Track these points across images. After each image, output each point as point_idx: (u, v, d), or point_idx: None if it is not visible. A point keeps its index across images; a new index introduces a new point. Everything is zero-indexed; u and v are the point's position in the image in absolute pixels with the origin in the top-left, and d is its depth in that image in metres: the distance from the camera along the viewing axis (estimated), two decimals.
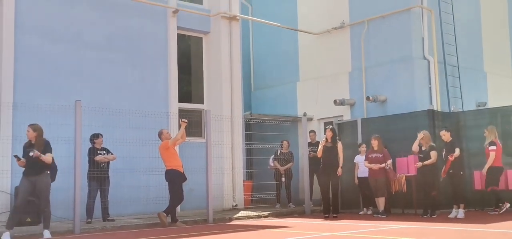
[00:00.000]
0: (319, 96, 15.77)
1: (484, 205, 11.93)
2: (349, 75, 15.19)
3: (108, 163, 10.99)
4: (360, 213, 12.29)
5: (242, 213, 12.21)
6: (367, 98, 14.24)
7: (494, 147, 10.97)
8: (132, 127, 11.86)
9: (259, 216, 11.91)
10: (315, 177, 13.55)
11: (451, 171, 10.62)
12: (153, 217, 10.84)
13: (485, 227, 8.99)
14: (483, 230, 8.59)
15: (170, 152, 10.68)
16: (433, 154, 10.89)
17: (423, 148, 11.07)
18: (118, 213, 11.31)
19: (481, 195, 11.90)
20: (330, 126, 11.95)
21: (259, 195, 13.95)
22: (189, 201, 12.15)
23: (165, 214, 10.32)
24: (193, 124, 13.19)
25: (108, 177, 10.97)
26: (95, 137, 10.92)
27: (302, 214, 12.64)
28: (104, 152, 10.97)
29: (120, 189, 11.50)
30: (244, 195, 13.79)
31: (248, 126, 15.24)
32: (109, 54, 12.29)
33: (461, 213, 10.57)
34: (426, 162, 10.91)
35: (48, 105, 10.63)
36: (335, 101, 14.70)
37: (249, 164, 14.98)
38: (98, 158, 10.79)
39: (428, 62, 14.01)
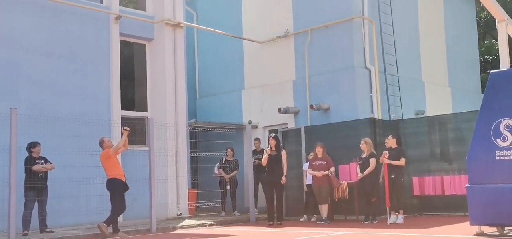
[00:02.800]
0: (264, 104, 15.87)
1: (423, 210, 12.33)
2: (293, 83, 15.37)
3: (46, 172, 10.63)
4: (301, 220, 12.41)
5: (186, 222, 12.10)
6: (311, 106, 14.44)
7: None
8: (72, 135, 11.56)
9: (203, 225, 11.83)
10: (260, 185, 13.61)
11: (392, 176, 10.89)
12: (94, 228, 10.56)
13: (422, 232, 9.28)
14: (420, 235, 8.86)
15: (111, 161, 10.46)
16: (373, 161, 11.16)
17: (364, 155, 11.32)
18: (57, 224, 10.94)
19: (420, 201, 12.30)
20: (274, 135, 12.04)
21: (204, 204, 13.85)
22: (132, 210, 11.92)
23: (105, 225, 10.07)
24: (136, 132, 12.97)
25: (46, 187, 10.61)
26: (32, 146, 10.55)
27: (247, 222, 12.65)
28: (42, 161, 10.60)
29: (59, 199, 11.13)
30: (188, 203, 13.66)
31: (193, 134, 15.15)
32: (49, 60, 11.92)
33: (400, 218, 10.87)
34: (365, 172, 11.16)
35: None
36: (279, 109, 14.83)
37: (194, 172, 14.86)
38: (36, 167, 10.42)
39: (369, 71, 14.38)
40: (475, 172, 8.33)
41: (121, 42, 13.25)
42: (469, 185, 8.37)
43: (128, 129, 10.63)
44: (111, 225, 10.25)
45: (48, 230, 10.45)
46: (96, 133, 11.35)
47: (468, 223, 8.39)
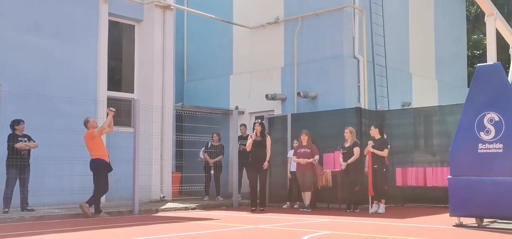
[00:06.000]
0: (252, 90, 15.85)
1: (405, 201, 12.43)
2: (282, 70, 15.36)
3: (29, 150, 10.56)
4: (283, 206, 12.46)
5: (169, 205, 12.09)
6: (298, 94, 14.44)
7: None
8: (58, 114, 11.54)
9: (186, 208, 11.84)
10: (244, 170, 13.63)
11: (375, 166, 10.94)
12: (76, 207, 10.52)
13: (403, 221, 9.36)
14: (401, 224, 8.93)
15: (96, 141, 10.41)
16: (356, 150, 11.20)
17: (347, 144, 11.36)
18: (39, 203, 10.90)
19: (402, 191, 12.39)
20: (259, 121, 12.04)
21: (188, 187, 13.86)
22: (116, 191, 11.91)
23: (87, 205, 10.06)
24: (122, 114, 12.92)
25: (29, 165, 10.54)
26: (16, 123, 10.47)
27: (230, 207, 12.68)
28: (26, 139, 10.53)
29: (42, 178, 11.10)
30: (172, 186, 13.67)
31: (180, 118, 15.11)
32: (37, 37, 11.79)
33: (382, 208, 10.94)
34: (349, 161, 11.20)
35: None
36: (267, 96, 14.81)
37: (179, 155, 14.85)
38: (19, 145, 10.34)
39: (358, 61, 14.39)
40: (458, 164, 8.40)
41: (110, 22, 13.15)
42: (450, 176, 8.44)
43: (114, 110, 10.60)
44: (93, 205, 10.22)
45: (29, 208, 10.39)
46: (82, 113, 11.31)
47: (448, 214, 8.47)
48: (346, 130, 11.38)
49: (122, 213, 10.78)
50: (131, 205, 11.00)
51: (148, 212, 11.12)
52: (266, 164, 11.55)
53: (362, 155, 11.29)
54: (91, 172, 10.45)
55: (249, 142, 11.65)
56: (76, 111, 11.59)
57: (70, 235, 7.77)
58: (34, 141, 10.63)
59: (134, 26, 14.00)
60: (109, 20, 13.05)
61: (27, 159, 10.54)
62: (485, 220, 8.38)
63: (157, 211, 11.34)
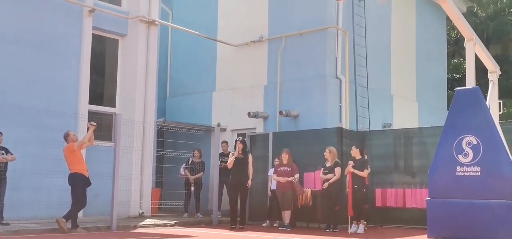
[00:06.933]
0: (234, 107, 15.85)
1: (384, 221, 12.47)
2: (264, 88, 15.40)
3: (6, 163, 10.41)
4: (263, 225, 12.42)
5: (148, 221, 11.98)
6: (280, 112, 14.47)
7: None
8: (37, 127, 11.41)
9: (165, 225, 11.74)
10: (224, 188, 13.58)
11: (355, 186, 10.99)
12: (52, 222, 10.36)
13: None
14: None
15: (75, 155, 10.30)
16: (337, 170, 11.24)
17: (328, 164, 11.40)
18: (15, 217, 10.71)
19: (381, 212, 12.43)
20: (241, 138, 12.04)
21: (167, 204, 13.75)
22: (94, 206, 11.76)
23: (64, 220, 9.91)
24: (103, 128, 12.81)
25: (5, 178, 10.38)
26: None
27: (209, 224, 12.60)
28: (3, 152, 10.38)
29: (19, 191, 10.92)
30: (151, 202, 13.54)
31: (161, 133, 15.03)
32: (18, 48, 11.67)
33: (361, 228, 10.97)
34: (330, 181, 11.22)
35: None
36: (249, 114, 14.82)
37: (159, 171, 14.74)
38: None
39: (340, 81, 14.50)
40: (436, 186, 8.48)
41: (94, 36, 13.06)
42: (429, 198, 8.50)
43: (95, 124, 10.52)
44: (70, 220, 10.08)
45: (4, 222, 10.21)
46: (62, 126, 11.20)
47: (426, 236, 8.51)
48: (326, 150, 11.41)
49: (100, 228, 10.66)
50: (109, 221, 10.88)
51: (126, 228, 11.00)
52: (249, 182, 11.54)
53: (342, 175, 11.33)
54: (69, 186, 10.33)
55: (231, 159, 11.64)
56: (56, 124, 11.46)
57: None
58: (11, 154, 10.48)
59: (117, 40, 13.95)
60: (92, 33, 12.99)
61: (4, 172, 10.39)
62: None
63: (135, 227, 11.23)
